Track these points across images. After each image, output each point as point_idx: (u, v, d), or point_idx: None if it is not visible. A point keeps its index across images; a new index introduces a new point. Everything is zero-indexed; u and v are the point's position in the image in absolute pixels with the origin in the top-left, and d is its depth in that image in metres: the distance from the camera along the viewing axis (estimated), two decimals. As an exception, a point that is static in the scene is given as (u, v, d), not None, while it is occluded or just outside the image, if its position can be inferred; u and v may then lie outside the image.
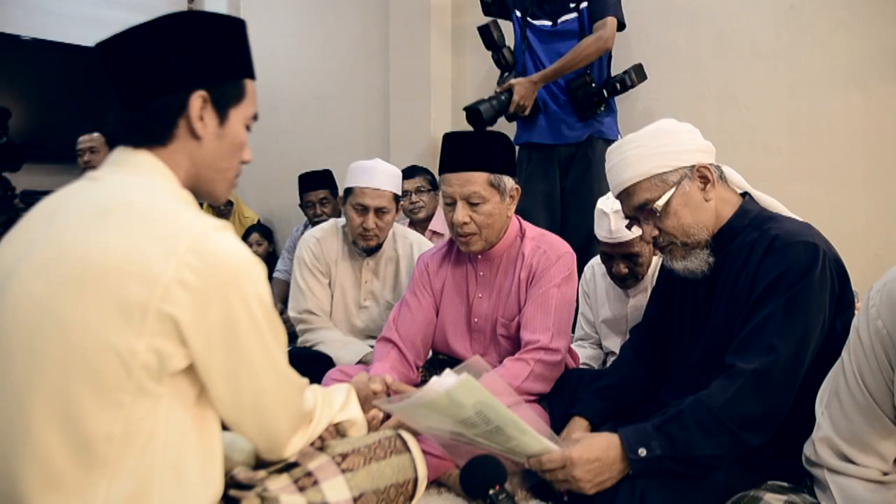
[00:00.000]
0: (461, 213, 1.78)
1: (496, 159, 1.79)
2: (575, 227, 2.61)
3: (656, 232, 1.37)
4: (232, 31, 1.01)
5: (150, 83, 0.94)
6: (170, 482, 0.88)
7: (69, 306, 0.83)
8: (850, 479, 1.05)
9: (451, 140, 1.84)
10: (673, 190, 1.34)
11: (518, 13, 2.76)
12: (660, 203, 1.34)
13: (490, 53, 2.82)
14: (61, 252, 0.86)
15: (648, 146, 1.35)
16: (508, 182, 1.81)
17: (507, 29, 2.85)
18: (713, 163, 1.38)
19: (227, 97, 0.99)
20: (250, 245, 4.05)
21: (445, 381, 1.05)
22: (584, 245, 2.42)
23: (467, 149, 1.80)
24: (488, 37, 2.77)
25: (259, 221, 4.37)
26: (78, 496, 0.84)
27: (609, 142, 2.60)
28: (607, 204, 1.95)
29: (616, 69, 2.77)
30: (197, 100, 0.95)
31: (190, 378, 0.90)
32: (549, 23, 2.69)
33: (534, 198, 2.65)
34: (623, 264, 2.03)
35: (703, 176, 1.35)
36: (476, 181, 1.77)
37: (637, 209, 1.38)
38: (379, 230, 2.28)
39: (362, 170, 2.28)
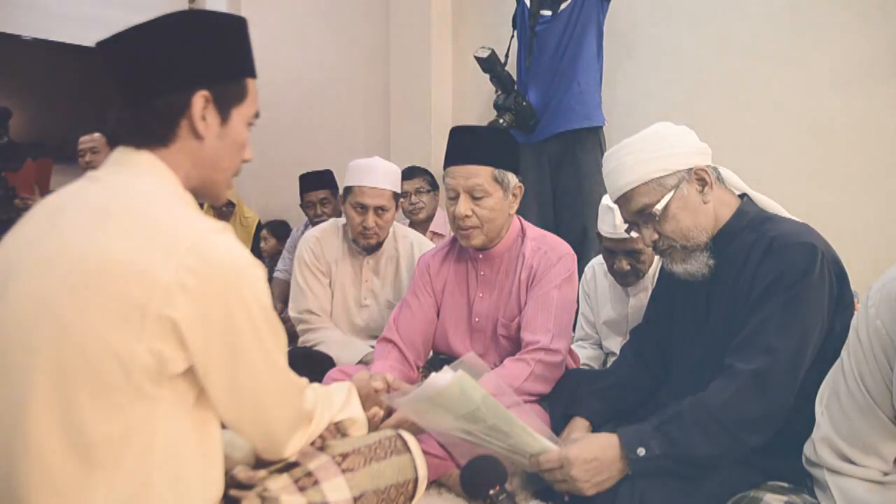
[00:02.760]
0: (463, 205, 1.78)
1: (501, 154, 1.80)
2: (567, 224, 2.63)
3: (655, 236, 1.37)
4: (234, 30, 1.00)
5: (152, 83, 0.94)
6: (169, 484, 0.88)
7: (69, 307, 0.83)
8: (850, 479, 1.05)
9: (457, 133, 1.84)
10: (671, 193, 1.33)
11: (527, 2, 2.81)
12: (658, 207, 1.34)
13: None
14: (62, 253, 0.86)
15: (645, 150, 1.35)
16: (512, 179, 1.81)
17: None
18: (710, 164, 1.38)
19: (229, 97, 0.98)
20: (261, 240, 4.07)
21: (443, 377, 1.06)
22: (578, 243, 2.42)
23: (473, 143, 1.80)
24: (493, 63, 2.74)
25: (259, 221, 4.36)
26: (77, 498, 0.83)
27: (595, 128, 2.63)
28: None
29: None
30: (199, 99, 0.95)
31: (189, 380, 0.89)
32: (549, 13, 2.76)
33: (526, 198, 2.66)
34: (626, 260, 2.03)
35: (700, 178, 1.35)
36: (480, 174, 1.77)
37: (635, 214, 1.38)
38: (379, 229, 2.28)
39: (361, 168, 2.28)
